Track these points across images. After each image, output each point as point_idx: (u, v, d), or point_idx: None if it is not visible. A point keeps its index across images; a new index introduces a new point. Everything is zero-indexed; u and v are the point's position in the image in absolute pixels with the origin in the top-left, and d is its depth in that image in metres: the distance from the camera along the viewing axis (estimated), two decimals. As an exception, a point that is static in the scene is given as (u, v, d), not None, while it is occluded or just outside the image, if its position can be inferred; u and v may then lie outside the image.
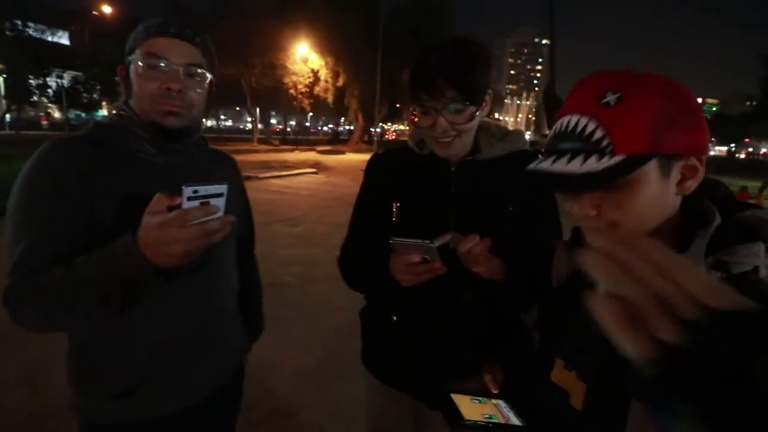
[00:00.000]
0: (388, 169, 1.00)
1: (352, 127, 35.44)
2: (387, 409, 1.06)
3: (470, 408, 0.65)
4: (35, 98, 20.06)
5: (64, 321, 0.72)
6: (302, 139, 30.08)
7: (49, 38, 21.48)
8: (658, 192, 0.49)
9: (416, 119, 0.84)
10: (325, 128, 64.30)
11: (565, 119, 0.51)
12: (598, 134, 0.47)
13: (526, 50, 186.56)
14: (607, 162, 0.46)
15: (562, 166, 0.49)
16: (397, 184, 0.95)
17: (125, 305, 0.67)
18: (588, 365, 0.54)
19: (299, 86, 24.73)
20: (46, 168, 0.71)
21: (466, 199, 0.89)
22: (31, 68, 18.35)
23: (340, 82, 25.65)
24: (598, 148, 0.47)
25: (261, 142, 26.30)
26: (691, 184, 0.50)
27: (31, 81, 18.95)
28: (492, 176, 0.89)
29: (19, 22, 18.04)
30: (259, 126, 30.75)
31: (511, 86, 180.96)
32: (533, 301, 0.84)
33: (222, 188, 0.63)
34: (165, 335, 0.80)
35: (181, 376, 0.83)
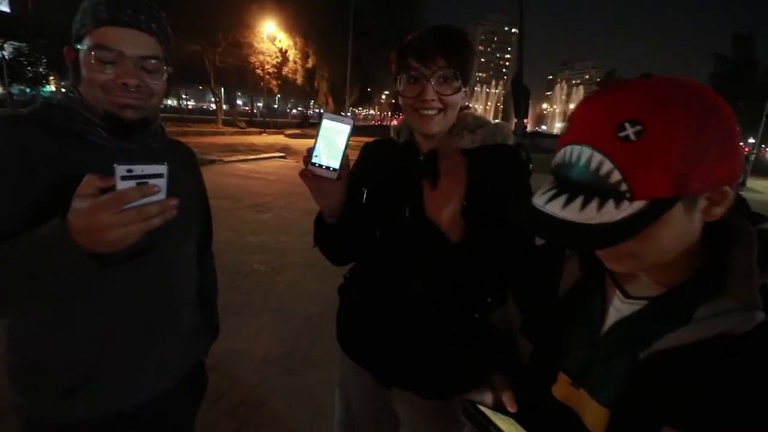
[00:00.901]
0: (370, 156, 1.03)
1: (321, 111, 34.71)
2: (353, 385, 1.07)
3: (502, 423, 0.55)
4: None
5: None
6: (270, 122, 29.16)
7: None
8: (681, 229, 0.43)
9: (403, 89, 0.85)
10: (294, 111, 62.67)
11: (574, 150, 0.43)
12: (616, 177, 0.40)
13: (496, 38, 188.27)
14: (626, 210, 0.39)
15: (574, 213, 0.42)
16: (370, 171, 0.97)
17: (58, 293, 0.64)
18: (607, 387, 0.50)
19: (267, 66, 23.86)
20: None
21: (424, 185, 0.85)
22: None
23: (309, 64, 24.94)
24: (616, 191, 0.40)
25: (226, 123, 25.26)
26: (719, 211, 0.43)
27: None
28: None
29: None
30: (224, 107, 29.53)
31: (480, 74, 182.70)
32: (478, 298, 0.87)
33: (161, 168, 0.58)
34: (112, 327, 0.76)
35: (132, 372, 0.79)
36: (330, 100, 29.07)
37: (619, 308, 0.52)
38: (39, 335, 0.73)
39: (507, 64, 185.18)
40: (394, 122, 0.97)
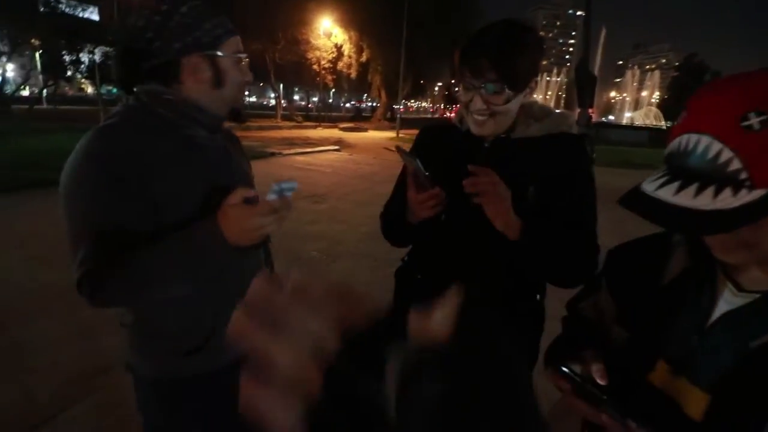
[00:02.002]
0: (430, 140, 1.07)
1: (374, 104, 35.02)
2: None
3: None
4: (69, 74, 20.66)
5: (146, 293, 0.77)
6: (325, 116, 29.97)
7: (80, 14, 21.89)
8: None
9: (459, 93, 0.90)
10: (347, 105, 63.82)
11: (691, 139, 0.43)
12: (735, 165, 0.40)
13: (558, 23, 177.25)
14: (744, 198, 0.39)
15: (688, 199, 0.42)
16: (433, 156, 0.98)
17: (203, 278, 0.78)
18: (711, 375, 0.50)
19: (322, 62, 24.48)
20: (103, 164, 0.73)
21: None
22: (65, 44, 18.83)
23: (363, 58, 25.22)
24: (734, 179, 0.40)
25: (284, 118, 26.38)
26: None
27: (65, 57, 19.47)
28: (522, 155, 0.91)
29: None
30: (283, 102, 30.78)
31: (543, 62, 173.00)
32: (559, 275, 0.92)
33: (295, 184, 0.76)
34: (228, 296, 0.88)
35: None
36: (383, 93, 29.22)
37: (730, 300, 0.52)
38: (169, 310, 0.84)
39: (571, 50, 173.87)
40: (449, 114, 0.95)
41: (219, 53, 0.82)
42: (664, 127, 36.44)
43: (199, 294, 0.85)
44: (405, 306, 0.81)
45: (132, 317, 0.88)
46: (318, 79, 25.69)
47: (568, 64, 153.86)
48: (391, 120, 29.66)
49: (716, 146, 0.41)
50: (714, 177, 0.41)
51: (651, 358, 0.57)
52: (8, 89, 21.02)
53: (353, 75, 25.85)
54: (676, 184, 0.44)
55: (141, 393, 0.92)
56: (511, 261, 0.88)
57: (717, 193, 0.40)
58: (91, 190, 0.73)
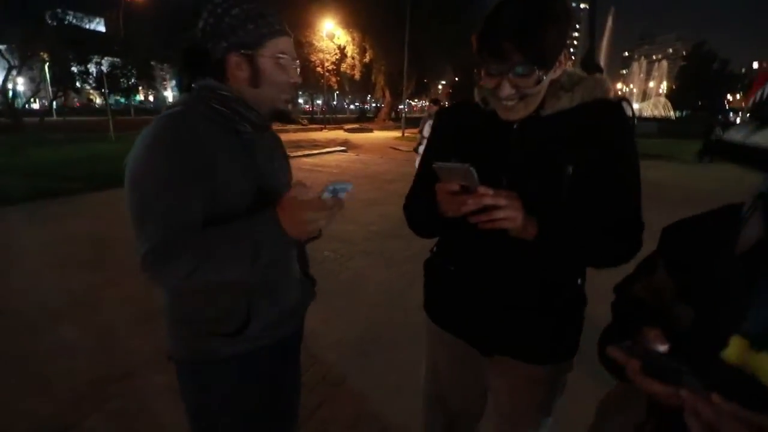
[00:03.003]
0: (452, 123, 0.99)
1: (379, 105, 35.04)
2: (441, 354, 1.09)
3: None
4: (78, 84, 21.00)
5: (206, 274, 0.78)
6: (330, 118, 30.05)
7: (87, 25, 22.22)
8: None
9: (481, 79, 0.82)
10: (351, 106, 63.94)
11: (760, 89, 0.44)
12: None
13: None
14: None
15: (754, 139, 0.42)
16: (457, 140, 0.94)
17: (258, 263, 0.80)
18: None
19: (326, 64, 24.54)
20: (173, 150, 0.78)
21: (522, 159, 0.85)
22: (72, 56, 19.11)
23: (366, 59, 25.23)
24: None
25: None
26: None
27: (73, 68, 19.78)
28: (556, 132, 0.83)
29: (59, 11, 18.70)
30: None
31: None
32: (597, 261, 0.86)
33: (349, 186, 0.79)
34: (263, 284, 0.93)
35: (274, 315, 0.97)
36: (387, 93, 29.19)
37: None
38: (209, 294, 0.88)
39: (576, 43, 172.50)
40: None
41: (257, 53, 0.85)
42: (673, 118, 35.85)
43: (240, 281, 0.88)
44: (440, 297, 0.93)
45: (169, 301, 0.91)
46: (322, 81, 25.75)
47: (573, 57, 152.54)
48: (395, 120, 29.63)
49: None
50: None
51: (723, 335, 0.53)
52: (19, 102, 21.38)
53: (357, 76, 25.87)
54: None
55: (182, 379, 0.95)
56: (544, 250, 0.82)
57: None
58: (161, 171, 0.77)
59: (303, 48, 23.61)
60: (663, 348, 0.56)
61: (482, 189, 0.75)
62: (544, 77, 0.77)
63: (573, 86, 0.84)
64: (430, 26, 23.38)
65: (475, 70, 0.84)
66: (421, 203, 0.97)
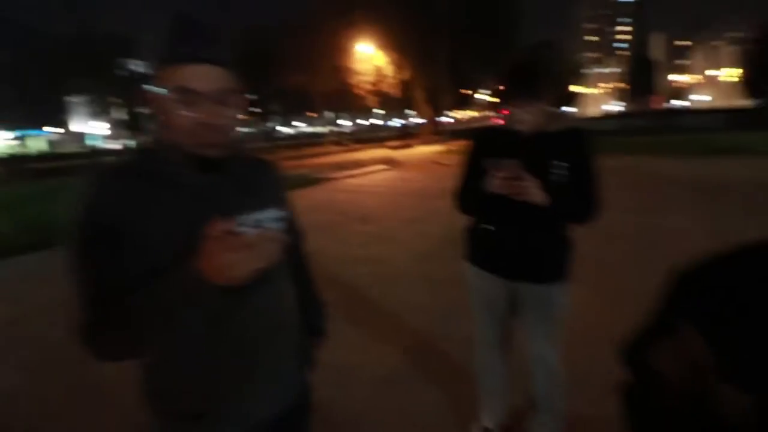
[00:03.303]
0: (483, 138, 1.63)
1: (420, 120, 35.16)
2: (489, 287, 1.63)
3: None
4: (147, 126, 23.37)
5: (138, 348, 0.73)
6: (373, 137, 30.54)
7: (149, 72, 24.75)
8: None
9: (507, 108, 1.49)
10: (393, 123, 64.76)
11: None
12: None
13: (605, 12, 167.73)
14: None
15: None
16: (488, 148, 1.53)
17: (190, 325, 0.70)
18: None
19: (365, 85, 25.13)
20: (95, 212, 0.71)
21: (531, 157, 1.38)
22: (142, 101, 21.40)
23: (405, 76, 25.53)
24: None
25: (333, 143, 27.26)
26: None
27: (144, 112, 22.10)
28: (550, 143, 1.45)
29: (128, 63, 21.03)
30: (331, 128, 31.88)
31: (590, 54, 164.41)
32: (574, 220, 1.50)
33: (278, 213, 0.64)
34: (231, 353, 0.80)
35: (250, 393, 0.83)
36: (427, 108, 29.24)
37: None
38: (168, 365, 0.79)
39: (622, 37, 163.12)
40: (495, 120, 1.80)
41: (158, 88, 0.72)
42: (750, 107, 32.33)
43: (195, 347, 0.77)
44: (480, 248, 1.65)
45: (140, 373, 0.83)
46: (362, 102, 26.37)
47: (617, 52, 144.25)
48: (437, 133, 29.50)
49: None
50: None
51: None
52: (99, 144, 24.06)
53: (396, 94, 26.21)
54: None
55: None
56: (548, 214, 1.41)
57: None
58: (83, 238, 0.71)
59: (342, 72, 24.41)
60: None
61: (524, 175, 1.31)
62: (540, 106, 1.44)
63: (560, 119, 1.51)
64: (467, 39, 23.26)
65: (497, 95, 1.54)
66: (469, 190, 1.55)
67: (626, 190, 7.21)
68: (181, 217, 0.73)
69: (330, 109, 30.50)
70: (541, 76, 1.41)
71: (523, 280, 1.55)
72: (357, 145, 26.17)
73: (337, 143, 28.06)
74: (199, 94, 0.70)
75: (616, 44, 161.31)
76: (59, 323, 3.37)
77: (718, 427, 0.45)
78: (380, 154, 18.81)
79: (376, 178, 11.40)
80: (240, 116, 0.78)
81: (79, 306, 0.70)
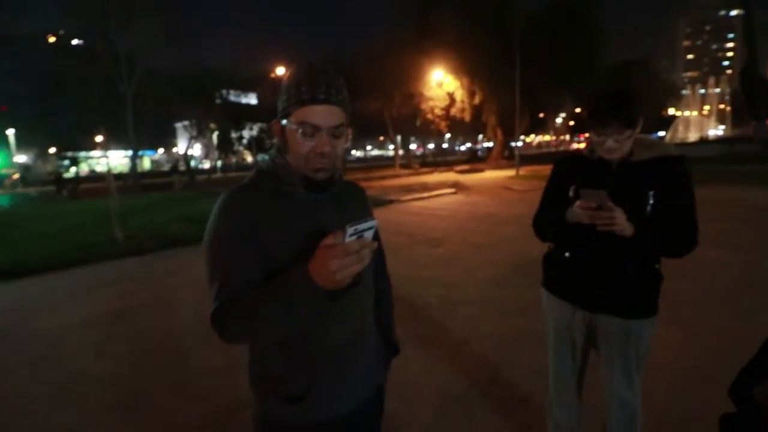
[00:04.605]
0: (568, 164, 1.58)
1: (490, 144, 34.53)
2: (567, 318, 1.57)
3: None
4: (236, 148, 26.04)
5: (256, 334, 0.87)
6: (441, 161, 30.67)
7: (243, 100, 27.66)
8: None
9: (593, 137, 1.39)
10: (462, 148, 64.29)
11: None
12: None
13: (707, 27, 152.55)
14: None
15: None
16: (572, 175, 1.50)
17: (301, 322, 0.82)
18: None
19: (436, 110, 25.47)
20: (228, 221, 0.87)
21: (620, 187, 1.34)
22: (232, 124, 24.03)
23: (476, 100, 25.46)
24: None
25: (402, 166, 27.83)
26: None
27: (233, 135, 24.75)
28: (640, 172, 1.38)
29: (224, 92, 23.81)
30: (401, 152, 32.60)
31: (690, 74, 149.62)
32: (668, 254, 1.39)
33: (373, 223, 0.76)
34: (327, 347, 0.93)
35: (339, 384, 0.95)
36: (498, 132, 28.70)
37: None
38: (274, 353, 0.93)
39: (729, 55, 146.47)
40: (575, 145, 1.64)
41: (285, 122, 0.89)
42: None
43: (298, 339, 0.90)
44: (557, 275, 1.59)
45: (249, 357, 0.97)
46: (432, 126, 26.69)
47: (727, 71, 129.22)
48: (509, 158, 28.70)
49: None
50: None
51: None
52: (195, 163, 27.24)
53: (467, 119, 26.16)
54: None
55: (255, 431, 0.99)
56: (635, 246, 1.35)
57: None
58: (221, 241, 0.87)
59: (414, 99, 25.03)
60: None
61: (611, 206, 1.26)
62: (632, 134, 1.34)
63: (653, 146, 1.41)
64: (541, 60, 22.68)
65: (578, 116, 1.44)
66: (550, 216, 1.53)
67: (726, 223, 6.39)
68: (295, 228, 0.88)
69: (401, 133, 31.29)
70: (635, 102, 1.32)
71: (603, 312, 1.47)
72: (425, 169, 26.39)
73: (406, 166, 28.57)
74: (319, 128, 0.86)
75: (727, 63, 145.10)
76: (158, 317, 3.85)
77: None
78: (448, 178, 18.77)
79: (443, 201, 11.40)
80: (346, 145, 0.94)
81: (213, 296, 0.86)
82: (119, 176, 24.21)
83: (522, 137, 24.51)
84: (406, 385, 2.42)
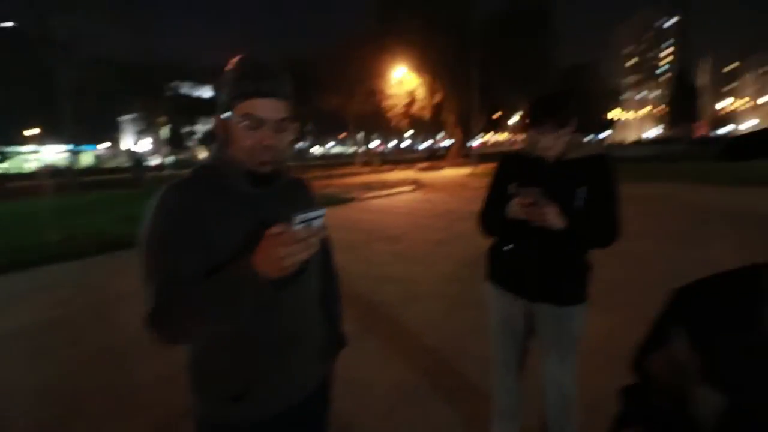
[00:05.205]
0: (509, 163, 1.67)
1: (449, 143, 35.33)
2: (508, 308, 1.68)
3: None
4: (186, 143, 24.80)
5: (198, 332, 0.84)
6: (402, 159, 30.96)
7: (196, 93, 26.39)
8: None
9: (531, 136, 1.52)
10: (422, 146, 65.31)
11: None
12: None
13: (644, 36, 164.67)
14: None
15: None
16: (512, 173, 1.61)
17: (246, 314, 0.81)
18: None
19: (397, 108, 25.66)
20: (166, 218, 0.84)
21: (554, 184, 1.46)
22: (184, 120, 22.84)
23: (436, 99, 25.90)
24: None
25: (363, 164, 27.78)
26: None
27: (184, 130, 23.55)
28: (572, 170, 1.50)
29: (175, 84, 22.57)
30: (362, 149, 32.55)
31: (630, 78, 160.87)
32: (594, 245, 1.51)
33: (322, 212, 0.79)
34: (269, 341, 0.92)
35: (284, 378, 0.94)
36: (457, 131, 29.39)
37: None
38: (216, 351, 0.91)
39: (665, 62, 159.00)
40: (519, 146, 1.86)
41: (227, 114, 0.87)
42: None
43: (240, 335, 0.88)
44: (499, 268, 1.70)
45: (189, 359, 0.94)
46: (393, 124, 26.86)
47: (661, 77, 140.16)
48: (467, 156, 29.50)
49: None
50: None
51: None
52: (142, 159, 25.68)
53: (427, 117, 26.57)
54: None
55: None
56: (567, 238, 1.45)
57: None
58: (158, 239, 0.83)
59: (375, 96, 25.05)
60: None
61: (544, 202, 1.36)
62: (564, 134, 1.48)
63: (580, 147, 1.54)
64: (500, 62, 23.45)
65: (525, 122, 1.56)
66: (492, 213, 1.62)
67: (657, 217, 6.96)
68: (238, 221, 0.87)
69: (361, 131, 31.25)
70: (568, 104, 1.44)
71: (541, 301, 1.58)
72: (385, 167, 26.53)
73: (367, 164, 28.58)
74: (263, 121, 0.85)
75: (660, 68, 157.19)
76: (96, 326, 3.60)
77: (693, 428, 0.51)
78: (408, 176, 18.99)
79: (403, 199, 11.53)
80: (290, 140, 0.94)
81: (148, 295, 0.82)
82: (55, 173, 22.25)
83: (480, 136, 25.22)
84: (358, 381, 2.44)
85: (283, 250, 0.73)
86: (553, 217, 1.38)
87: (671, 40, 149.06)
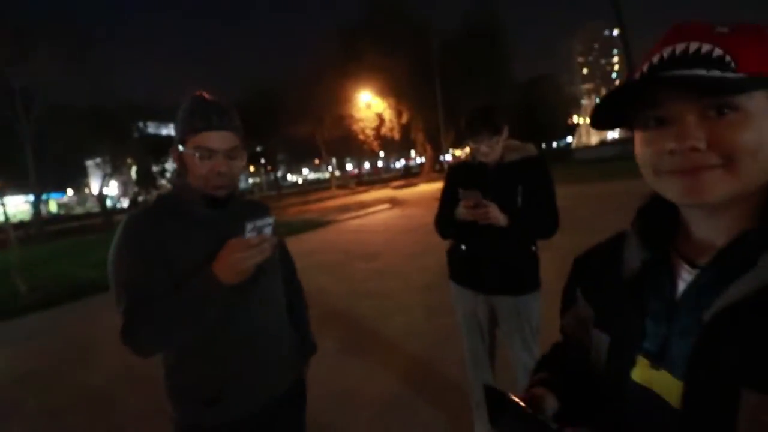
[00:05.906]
0: (456, 172, 1.87)
1: (421, 160, 36.03)
2: (470, 303, 1.82)
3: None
4: (159, 182, 24.33)
5: (170, 341, 0.93)
6: (377, 179, 31.33)
7: (163, 132, 26.10)
8: None
9: (471, 145, 1.70)
10: (397, 165, 66.28)
11: (668, 48, 0.48)
12: (718, 52, 0.45)
13: (596, 45, 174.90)
14: (731, 75, 0.43)
15: (683, 71, 0.45)
16: (460, 179, 1.75)
17: (208, 324, 0.91)
18: (680, 359, 0.49)
19: (367, 131, 26.12)
20: (130, 241, 0.93)
21: (495, 185, 1.62)
22: (152, 159, 22.45)
23: (404, 120, 26.55)
24: (721, 63, 0.44)
25: (339, 187, 27.93)
26: None
27: (153, 169, 23.11)
28: (511, 172, 1.66)
29: (141, 125, 22.28)
30: (337, 173, 32.76)
31: (586, 86, 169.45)
32: (537, 237, 1.70)
33: (270, 220, 0.91)
34: (237, 347, 1.00)
35: (254, 382, 1.02)
36: (428, 148, 30.08)
37: (686, 279, 0.52)
38: (187, 361, 0.98)
39: (615, 68, 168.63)
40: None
41: (182, 148, 0.98)
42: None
43: (209, 342, 0.96)
44: (458, 267, 1.88)
45: (165, 367, 1.01)
46: (365, 146, 27.27)
47: (616, 82, 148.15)
48: (440, 171, 30.11)
49: (694, 44, 0.46)
50: (703, 66, 0.45)
51: (631, 356, 0.55)
52: (111, 202, 24.95)
53: (397, 137, 27.13)
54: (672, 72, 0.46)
55: None
56: (512, 233, 1.60)
57: (708, 72, 0.44)
58: (125, 261, 0.93)
59: (344, 120, 25.46)
60: (551, 408, 0.60)
61: (485, 202, 1.53)
62: (500, 140, 1.66)
63: (518, 149, 1.71)
64: (462, 80, 24.39)
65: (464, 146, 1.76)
66: (445, 217, 1.76)
67: (618, 212, 7.31)
68: (197, 241, 0.97)
69: (335, 155, 31.54)
70: (498, 114, 1.63)
71: (498, 294, 1.72)
72: (362, 188, 26.75)
73: (343, 187, 28.76)
74: (215, 151, 0.96)
75: (614, 74, 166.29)
76: (71, 376, 3.50)
77: (590, 355, 0.63)
78: (384, 195, 19.21)
79: (380, 217, 11.66)
80: (242, 164, 1.05)
81: (121, 312, 0.90)
82: (19, 225, 21.33)
83: (451, 150, 25.89)
84: (342, 393, 2.49)
85: (238, 255, 0.85)
86: (495, 215, 1.53)
87: (616, 51, 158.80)
